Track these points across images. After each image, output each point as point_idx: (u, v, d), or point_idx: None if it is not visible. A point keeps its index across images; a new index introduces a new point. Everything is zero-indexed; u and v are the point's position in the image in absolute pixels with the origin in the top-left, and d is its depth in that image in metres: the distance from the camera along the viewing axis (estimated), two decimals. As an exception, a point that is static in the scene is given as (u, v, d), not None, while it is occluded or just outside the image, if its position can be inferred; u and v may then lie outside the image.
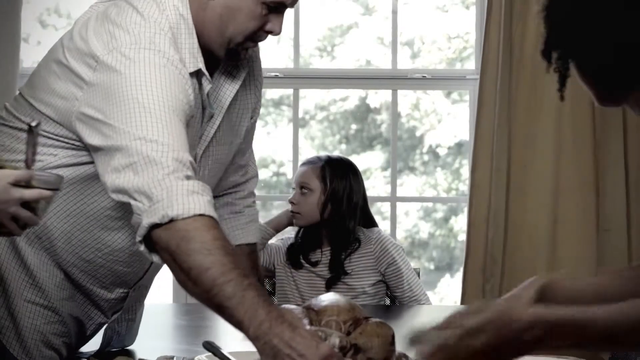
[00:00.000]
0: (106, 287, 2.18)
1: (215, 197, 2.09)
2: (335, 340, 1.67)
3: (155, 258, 1.80)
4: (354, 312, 1.80)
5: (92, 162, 2.01)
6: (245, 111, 2.24)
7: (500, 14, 3.92)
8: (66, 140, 2.03)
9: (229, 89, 2.14)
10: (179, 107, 1.93)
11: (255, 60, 2.23)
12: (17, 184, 1.74)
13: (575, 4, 1.52)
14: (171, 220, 1.72)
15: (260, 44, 2.14)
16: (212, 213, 1.75)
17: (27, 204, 1.76)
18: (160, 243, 1.75)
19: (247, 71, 2.18)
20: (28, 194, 1.74)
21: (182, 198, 1.74)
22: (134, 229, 1.80)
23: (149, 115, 1.88)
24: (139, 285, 2.24)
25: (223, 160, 2.23)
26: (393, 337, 1.80)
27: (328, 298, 1.83)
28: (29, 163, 1.77)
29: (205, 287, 1.69)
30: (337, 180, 3.39)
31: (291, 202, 3.42)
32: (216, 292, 1.67)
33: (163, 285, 4.35)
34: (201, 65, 2.03)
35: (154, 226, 1.74)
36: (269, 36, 2.07)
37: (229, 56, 2.09)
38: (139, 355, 2.11)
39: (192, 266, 1.70)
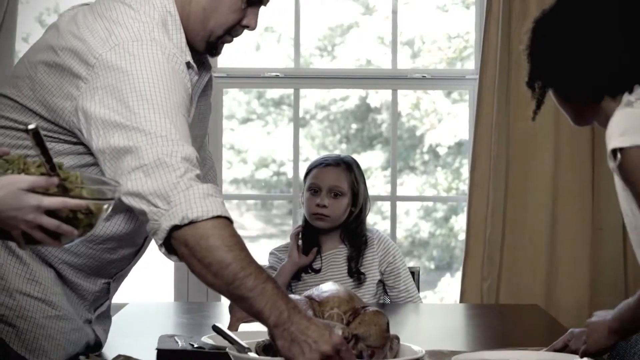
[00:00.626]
0: (91, 279, 2.21)
1: None
2: (338, 332, 1.83)
3: (174, 259, 1.90)
4: (353, 302, 1.97)
5: (83, 153, 2.04)
6: (207, 104, 2.33)
7: (499, 14, 3.93)
8: (56, 135, 2.04)
9: (203, 77, 2.22)
10: (182, 102, 1.98)
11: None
12: (33, 190, 1.67)
13: (552, 44, 1.99)
14: (191, 222, 1.83)
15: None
16: (227, 214, 1.87)
17: (53, 213, 1.67)
18: (179, 240, 1.85)
19: (211, 70, 2.27)
20: (47, 202, 1.67)
21: (200, 201, 1.85)
22: (152, 233, 1.88)
23: (156, 111, 1.92)
24: (119, 275, 2.28)
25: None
26: (388, 324, 1.97)
27: (329, 288, 2.00)
28: (47, 169, 1.69)
29: (227, 280, 1.82)
30: (363, 182, 3.43)
31: (322, 206, 3.36)
32: (238, 285, 1.82)
33: (164, 284, 4.36)
34: (189, 58, 2.10)
35: (173, 228, 1.84)
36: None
37: (207, 51, 2.17)
38: (139, 354, 2.12)
39: (212, 261, 1.83)
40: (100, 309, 2.30)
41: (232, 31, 2.15)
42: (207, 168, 2.52)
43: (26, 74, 2.09)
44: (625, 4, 2.00)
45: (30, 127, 1.67)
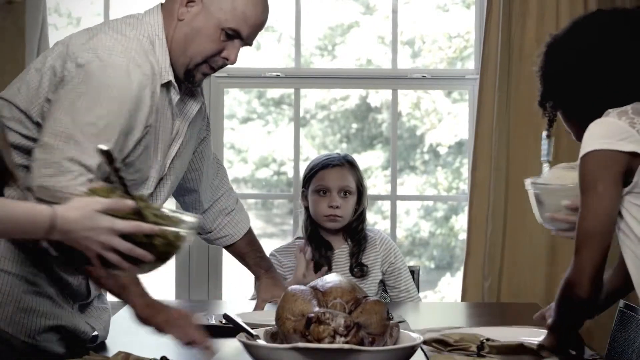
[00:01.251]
0: (70, 270, 2.29)
1: (209, 207, 2.75)
2: (340, 320, 1.94)
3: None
4: (355, 292, 2.09)
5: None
6: (199, 130, 2.58)
7: (499, 14, 3.93)
8: (25, 126, 2.24)
9: (192, 106, 2.44)
10: (125, 125, 2.19)
11: (204, 101, 2.57)
12: (107, 212, 1.73)
13: (561, 67, 2.14)
14: None
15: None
16: None
17: (129, 237, 1.74)
18: None
19: (202, 100, 2.50)
20: (120, 224, 1.74)
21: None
22: None
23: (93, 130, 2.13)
24: None
25: (178, 175, 2.52)
26: (388, 312, 2.10)
27: (332, 279, 2.12)
28: (121, 191, 1.76)
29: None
30: (365, 179, 3.46)
31: (336, 207, 3.37)
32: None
33: (165, 282, 4.37)
34: (171, 77, 2.30)
35: None
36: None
37: (186, 77, 2.36)
38: (141, 351, 2.14)
39: None
40: (82, 302, 2.36)
41: (211, 61, 2.35)
42: (220, 177, 2.81)
43: (21, 77, 2.30)
44: (630, 29, 2.10)
45: (103, 148, 1.78)
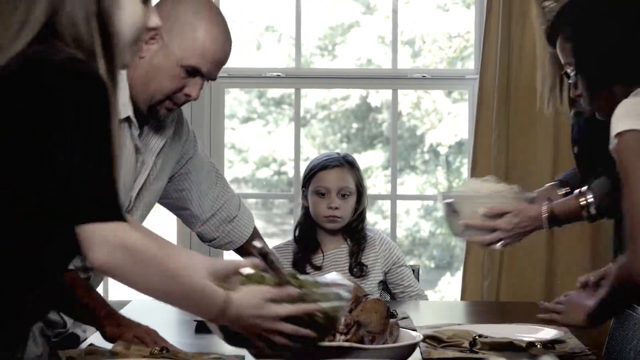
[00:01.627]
0: None
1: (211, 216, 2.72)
2: (341, 319, 1.96)
3: None
4: (355, 290, 2.10)
5: None
6: (178, 160, 2.56)
7: (499, 14, 3.94)
8: None
9: (157, 142, 2.41)
10: None
11: (181, 125, 2.55)
12: (273, 300, 1.83)
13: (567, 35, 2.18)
14: None
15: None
16: None
17: (297, 318, 1.84)
18: None
19: (172, 130, 2.47)
20: (285, 311, 1.83)
21: None
22: None
23: None
24: None
25: (149, 204, 2.52)
26: (388, 310, 2.13)
27: (332, 278, 2.11)
28: (282, 282, 1.86)
29: None
30: (364, 179, 3.47)
31: (335, 208, 3.38)
32: None
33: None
34: (130, 113, 2.28)
35: None
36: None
37: (150, 113, 2.33)
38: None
39: None
40: (60, 330, 2.40)
41: (173, 97, 2.31)
42: (219, 187, 2.77)
43: None
44: (634, 13, 2.09)
45: (257, 245, 1.91)
